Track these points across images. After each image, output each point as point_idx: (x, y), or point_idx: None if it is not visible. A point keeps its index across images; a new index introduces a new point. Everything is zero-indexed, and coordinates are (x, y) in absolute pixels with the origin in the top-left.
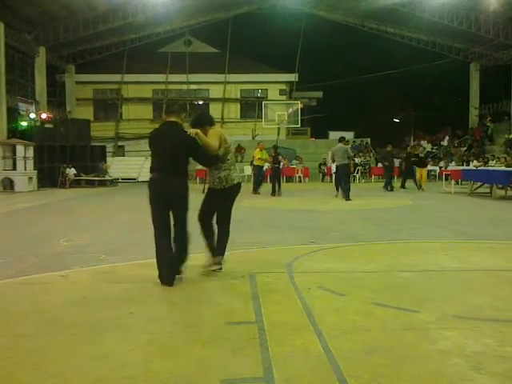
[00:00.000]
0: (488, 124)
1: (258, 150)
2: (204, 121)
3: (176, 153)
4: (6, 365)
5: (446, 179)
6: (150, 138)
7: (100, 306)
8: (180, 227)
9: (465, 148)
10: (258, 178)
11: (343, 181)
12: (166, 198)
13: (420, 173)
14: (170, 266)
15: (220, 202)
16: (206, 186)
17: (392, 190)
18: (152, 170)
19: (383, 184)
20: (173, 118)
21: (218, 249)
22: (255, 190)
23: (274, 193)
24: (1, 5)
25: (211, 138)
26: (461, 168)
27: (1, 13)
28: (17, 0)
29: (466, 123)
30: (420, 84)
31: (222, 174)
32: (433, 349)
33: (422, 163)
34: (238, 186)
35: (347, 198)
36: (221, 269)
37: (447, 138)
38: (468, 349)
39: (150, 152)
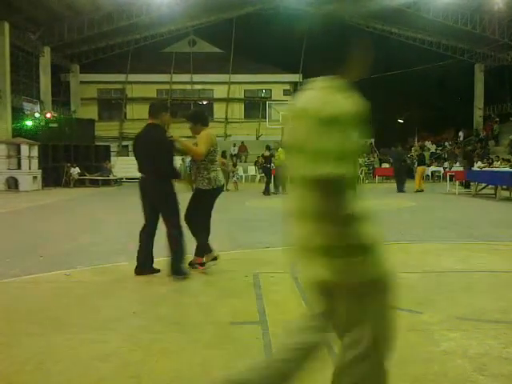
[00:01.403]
0: (494, 125)
1: (281, 149)
2: (198, 118)
3: (153, 154)
4: (9, 363)
5: (451, 180)
6: (133, 143)
7: (103, 306)
8: (167, 227)
9: (469, 149)
10: (279, 177)
11: None
12: (147, 199)
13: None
14: (138, 258)
15: (205, 202)
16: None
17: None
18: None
19: (397, 186)
20: (153, 120)
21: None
22: (267, 191)
23: (268, 192)
24: (5, 5)
25: (201, 141)
26: (465, 169)
27: (5, 13)
28: (21, 0)
29: (471, 124)
30: (424, 85)
31: (212, 175)
32: (436, 350)
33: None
34: (223, 187)
35: None
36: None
37: (461, 133)
38: (471, 350)
39: None
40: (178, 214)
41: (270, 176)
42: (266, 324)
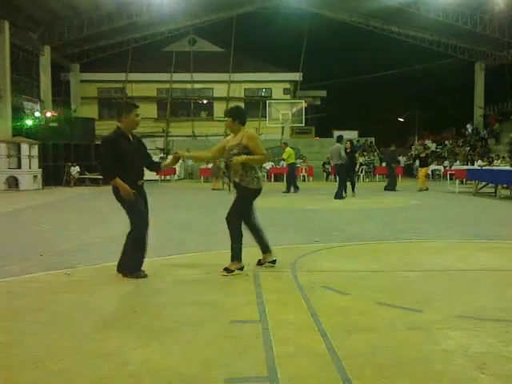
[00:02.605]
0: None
1: (289, 148)
2: (237, 115)
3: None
4: (10, 362)
5: (451, 179)
6: None
7: (104, 305)
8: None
9: (468, 148)
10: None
11: (338, 180)
12: None
13: (421, 172)
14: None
15: (251, 202)
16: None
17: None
18: None
19: (387, 185)
20: (118, 122)
21: (263, 245)
22: (295, 188)
23: None
24: (6, 4)
25: (256, 146)
26: (466, 167)
27: (6, 11)
28: None
29: (471, 123)
30: (425, 83)
31: (259, 175)
32: (437, 349)
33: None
34: None
35: (337, 196)
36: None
37: (469, 126)
38: (472, 349)
39: (153, 151)
40: (135, 214)
41: None
42: (266, 323)
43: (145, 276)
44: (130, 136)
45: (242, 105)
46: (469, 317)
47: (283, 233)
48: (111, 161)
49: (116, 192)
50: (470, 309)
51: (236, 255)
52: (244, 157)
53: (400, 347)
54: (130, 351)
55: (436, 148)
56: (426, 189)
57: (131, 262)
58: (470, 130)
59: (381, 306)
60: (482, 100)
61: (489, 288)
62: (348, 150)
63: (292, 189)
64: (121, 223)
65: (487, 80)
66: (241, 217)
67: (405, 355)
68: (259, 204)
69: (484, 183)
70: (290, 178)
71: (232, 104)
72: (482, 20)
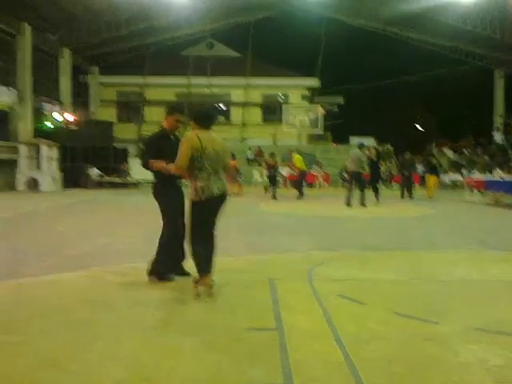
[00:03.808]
0: None
1: (297, 155)
2: (193, 116)
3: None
4: (26, 362)
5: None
6: None
7: (120, 306)
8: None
9: (488, 157)
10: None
11: (358, 187)
12: None
13: (430, 180)
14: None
15: (194, 215)
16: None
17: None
18: None
19: (402, 193)
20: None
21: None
22: (301, 194)
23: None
24: (26, 6)
25: (179, 151)
26: (484, 178)
27: (26, 14)
28: (41, 2)
29: (490, 131)
30: (442, 90)
31: (199, 185)
32: (454, 361)
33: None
34: (220, 198)
35: (361, 203)
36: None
37: (495, 133)
38: (490, 362)
39: None
40: (168, 213)
41: (275, 182)
42: (282, 330)
43: (171, 279)
44: (172, 136)
45: (259, 110)
46: (486, 329)
47: (299, 240)
48: (150, 157)
49: (155, 192)
50: (488, 321)
51: (201, 267)
52: (159, 165)
53: (416, 357)
54: (145, 354)
55: (453, 155)
56: (431, 197)
57: (158, 265)
58: (496, 138)
59: (397, 316)
60: (502, 108)
61: (506, 300)
62: (375, 159)
63: (297, 194)
64: (139, 226)
65: (507, 87)
66: (194, 231)
67: (421, 366)
68: (274, 210)
69: (504, 194)
70: (300, 184)
71: (249, 109)
72: (502, 27)
